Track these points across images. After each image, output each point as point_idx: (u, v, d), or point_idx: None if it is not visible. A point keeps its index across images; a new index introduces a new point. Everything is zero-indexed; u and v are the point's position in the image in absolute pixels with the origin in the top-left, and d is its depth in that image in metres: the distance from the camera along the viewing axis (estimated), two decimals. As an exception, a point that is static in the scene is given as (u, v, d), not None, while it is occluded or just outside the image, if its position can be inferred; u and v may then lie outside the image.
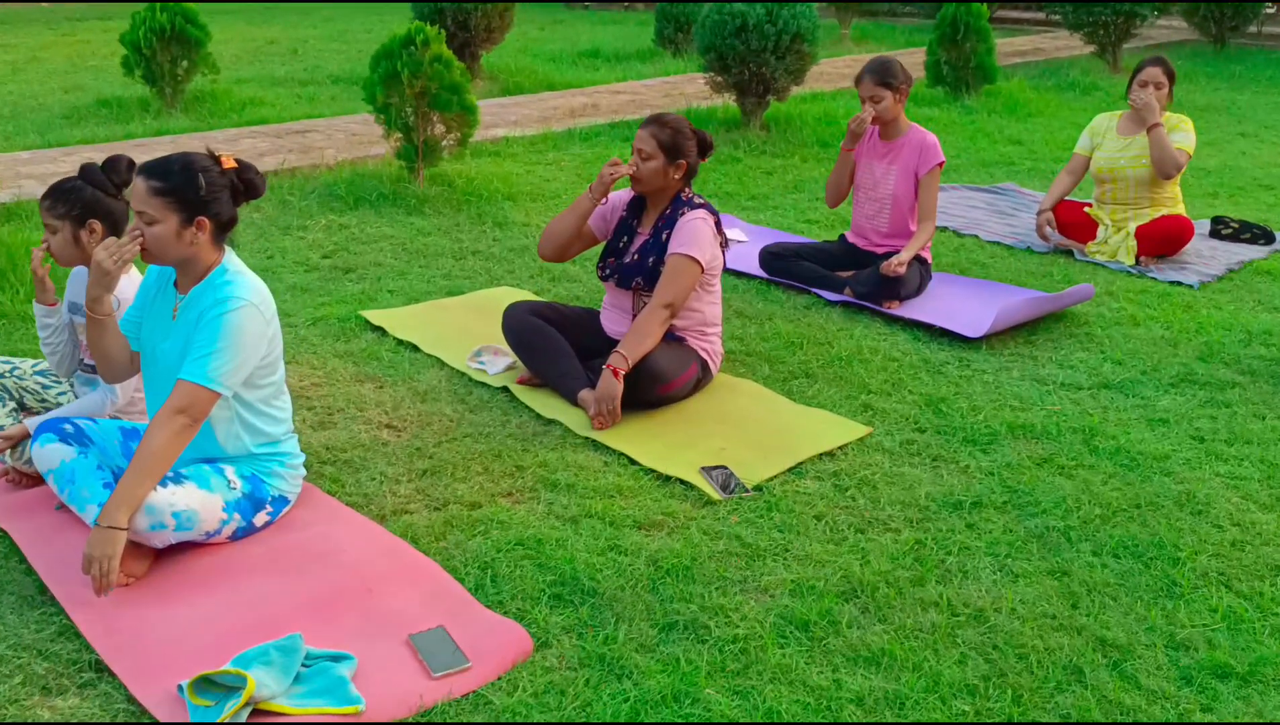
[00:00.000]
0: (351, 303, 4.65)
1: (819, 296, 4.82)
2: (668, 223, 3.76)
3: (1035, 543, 2.97)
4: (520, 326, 3.85)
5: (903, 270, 4.58)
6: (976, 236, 5.85)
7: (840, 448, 3.47)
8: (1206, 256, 5.51)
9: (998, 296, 4.77)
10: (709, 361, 3.84)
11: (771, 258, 5.00)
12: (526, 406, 3.71)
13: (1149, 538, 2.98)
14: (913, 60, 10.06)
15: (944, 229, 5.94)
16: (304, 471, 3.05)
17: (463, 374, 3.96)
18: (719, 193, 6.67)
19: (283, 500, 2.96)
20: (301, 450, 3.27)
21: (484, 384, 3.88)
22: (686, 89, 10.15)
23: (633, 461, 3.36)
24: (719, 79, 8.15)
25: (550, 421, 3.61)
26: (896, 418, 3.70)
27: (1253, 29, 14.51)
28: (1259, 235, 5.82)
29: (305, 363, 4.03)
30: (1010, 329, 4.43)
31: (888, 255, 4.80)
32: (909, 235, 4.85)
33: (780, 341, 4.31)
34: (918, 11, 17.69)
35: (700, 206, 3.77)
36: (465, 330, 4.30)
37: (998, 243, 5.74)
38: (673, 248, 3.68)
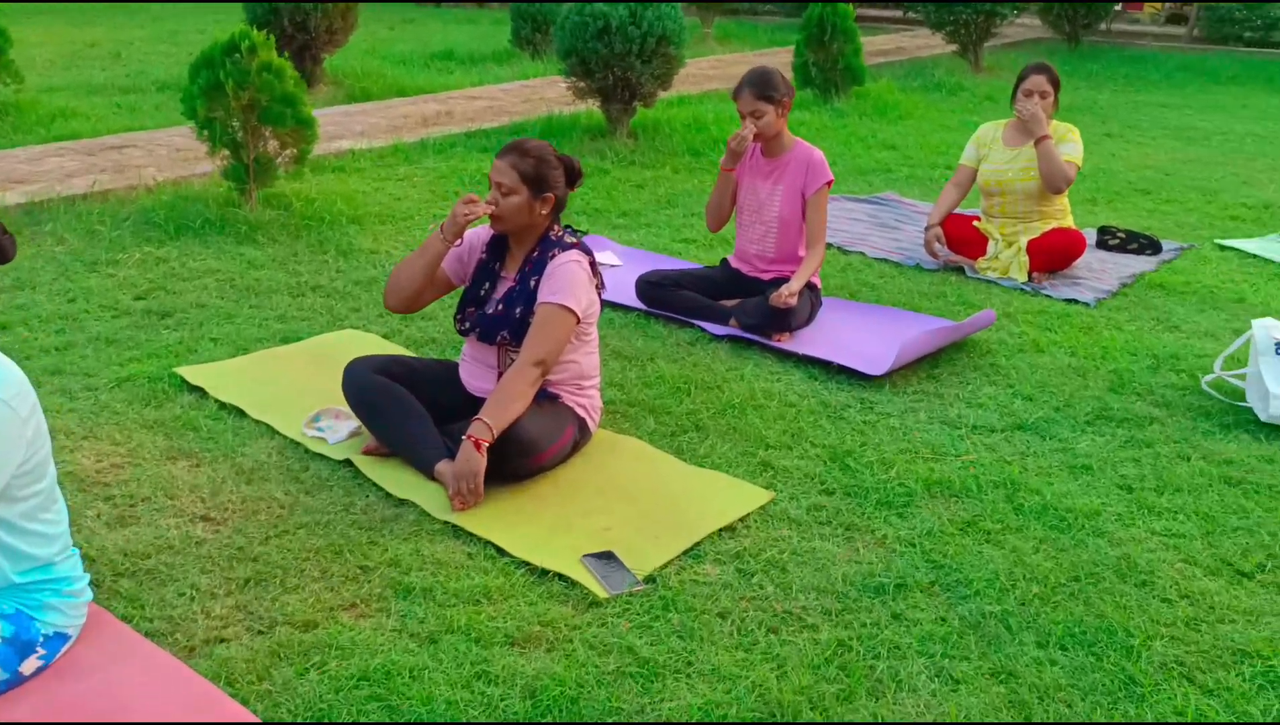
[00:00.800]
0: (166, 357, 3.99)
1: (703, 330, 4.37)
2: (536, 267, 3.24)
3: (972, 634, 2.57)
4: (362, 387, 3.28)
5: (794, 301, 4.17)
6: (862, 253, 5.51)
7: (741, 519, 3.03)
8: (1097, 270, 5.29)
9: (895, 326, 4.40)
10: (587, 419, 3.34)
11: (649, 287, 4.53)
12: (374, 484, 3.15)
13: (1095, 621, 2.62)
14: (779, 61, 9.76)
15: (828, 245, 5.58)
16: (89, 596, 2.43)
17: (298, 444, 3.36)
18: (586, 210, 6.18)
19: (59, 638, 2.34)
20: (89, 563, 2.66)
21: (323, 456, 3.29)
22: (547, 93, 9.63)
23: (502, 552, 2.85)
24: (581, 84, 7.66)
25: (402, 502, 3.06)
26: (800, 477, 3.27)
27: (1103, 26, 14.78)
28: (1145, 245, 5.65)
29: (105, 437, 3.37)
30: (911, 362, 4.07)
31: (775, 282, 4.39)
32: (797, 260, 4.45)
33: (665, 387, 3.84)
34: (779, 10, 17.55)
35: (572, 247, 3.26)
36: (302, 388, 3.70)
37: (885, 260, 5.41)
38: (543, 296, 3.16)
